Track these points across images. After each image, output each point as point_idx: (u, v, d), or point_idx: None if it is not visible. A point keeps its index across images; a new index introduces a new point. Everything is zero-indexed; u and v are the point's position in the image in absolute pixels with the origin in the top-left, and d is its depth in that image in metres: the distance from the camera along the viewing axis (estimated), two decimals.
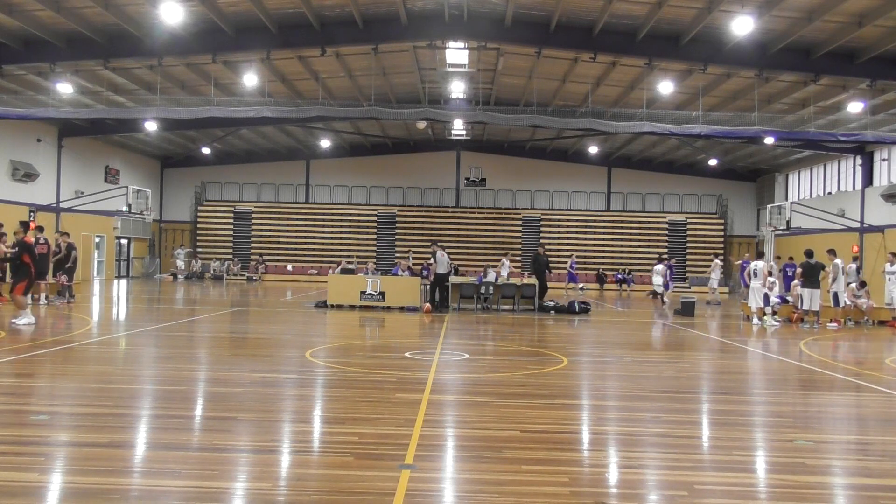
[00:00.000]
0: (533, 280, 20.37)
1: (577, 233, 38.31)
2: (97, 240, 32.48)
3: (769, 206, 29.83)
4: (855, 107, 22.40)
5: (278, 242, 38.45)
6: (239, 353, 11.04)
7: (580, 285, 33.19)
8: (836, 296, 16.84)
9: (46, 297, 17.58)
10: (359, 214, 38.77)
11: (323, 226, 38.55)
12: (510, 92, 27.82)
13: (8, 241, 18.26)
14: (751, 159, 35.68)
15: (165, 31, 19.53)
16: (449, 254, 21.13)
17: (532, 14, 19.87)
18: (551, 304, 19.62)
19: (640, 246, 37.28)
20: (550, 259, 22.88)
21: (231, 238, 38.60)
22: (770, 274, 18.01)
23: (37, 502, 4.20)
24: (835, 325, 16.49)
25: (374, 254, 37.12)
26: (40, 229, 16.95)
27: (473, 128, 34.08)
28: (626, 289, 33.56)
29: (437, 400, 7.20)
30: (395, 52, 23.17)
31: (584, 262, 37.25)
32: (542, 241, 26.99)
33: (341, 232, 38.42)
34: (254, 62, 22.53)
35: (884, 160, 28.94)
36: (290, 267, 37.74)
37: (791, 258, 24.32)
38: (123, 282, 32.12)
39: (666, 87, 22.94)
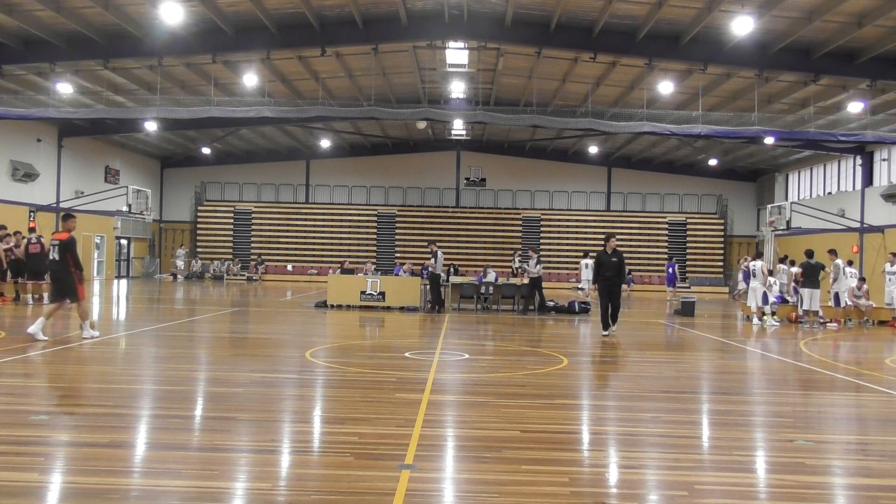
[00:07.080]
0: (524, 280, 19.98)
1: (577, 233, 38.30)
2: (97, 240, 32.48)
3: (769, 206, 29.81)
4: (855, 107, 22.39)
5: (278, 242, 38.45)
6: (239, 353, 11.03)
7: (580, 285, 33.10)
8: (836, 296, 16.85)
9: (47, 297, 17.57)
10: (359, 214, 38.77)
11: (323, 226, 38.56)
12: (510, 92, 27.81)
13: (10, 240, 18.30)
14: (751, 159, 35.67)
15: (165, 31, 19.54)
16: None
17: (532, 14, 19.87)
18: (551, 304, 19.61)
19: (640, 246, 37.26)
20: (551, 259, 21.89)
21: (231, 238, 38.61)
22: (771, 274, 18.01)
23: (37, 502, 4.19)
24: (835, 325, 16.49)
25: (374, 254, 37.10)
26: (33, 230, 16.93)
27: (473, 128, 34.07)
28: (626, 289, 33.50)
29: (437, 400, 7.19)
30: (395, 52, 23.17)
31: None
32: (610, 233, 22.51)
33: (341, 232, 38.42)
34: (254, 62, 22.53)
35: (884, 160, 28.93)
36: (289, 267, 37.74)
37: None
38: (123, 282, 32.11)
39: (666, 87, 22.94)
